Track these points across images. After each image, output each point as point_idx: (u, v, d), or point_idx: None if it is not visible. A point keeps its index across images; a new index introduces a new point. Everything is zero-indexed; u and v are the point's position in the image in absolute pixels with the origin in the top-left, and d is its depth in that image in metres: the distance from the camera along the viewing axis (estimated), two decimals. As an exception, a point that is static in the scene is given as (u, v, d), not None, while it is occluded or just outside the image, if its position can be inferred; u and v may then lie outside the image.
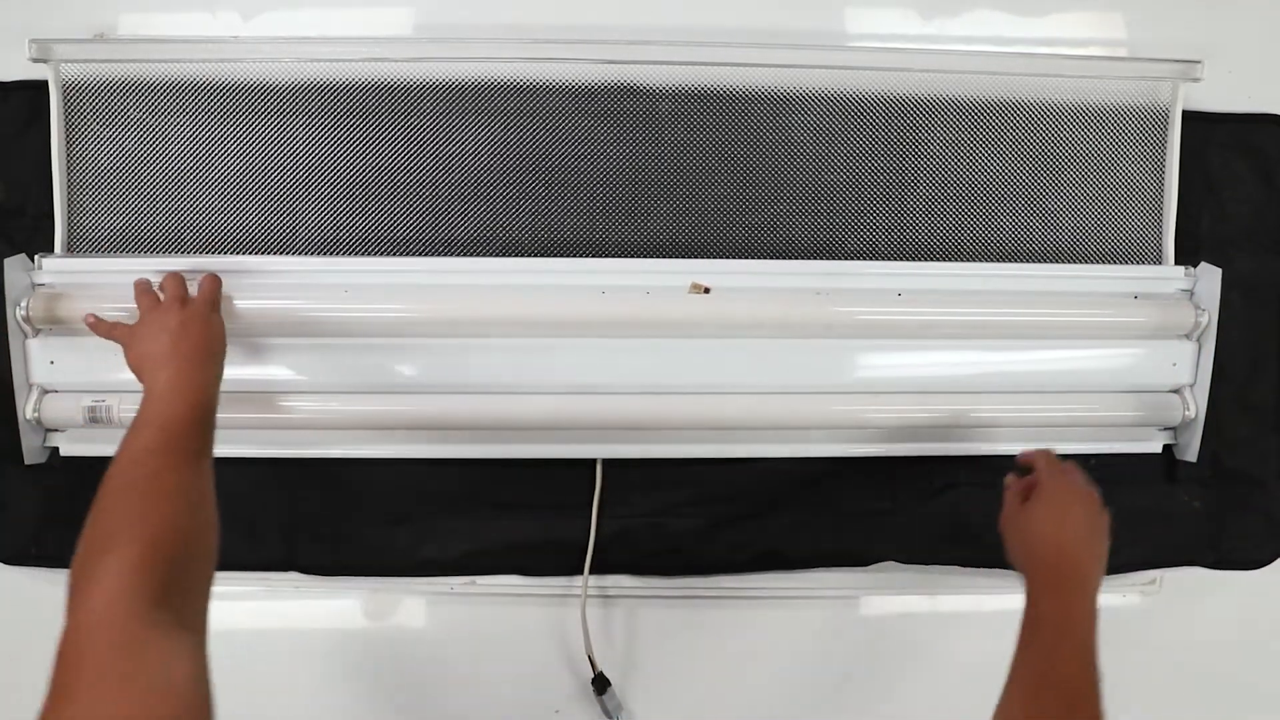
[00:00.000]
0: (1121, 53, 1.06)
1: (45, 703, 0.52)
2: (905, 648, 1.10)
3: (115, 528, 0.62)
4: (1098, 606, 0.73)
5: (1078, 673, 0.69)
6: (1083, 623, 0.72)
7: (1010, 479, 0.86)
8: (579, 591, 1.02)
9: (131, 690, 0.52)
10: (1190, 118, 1.03)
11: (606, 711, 1.02)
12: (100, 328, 0.87)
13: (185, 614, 0.60)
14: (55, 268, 0.95)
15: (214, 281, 0.89)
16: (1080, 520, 0.79)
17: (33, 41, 0.94)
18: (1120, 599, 1.11)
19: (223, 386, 0.81)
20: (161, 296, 0.87)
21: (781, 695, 1.08)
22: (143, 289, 0.87)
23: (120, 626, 0.55)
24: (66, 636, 0.55)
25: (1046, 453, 0.87)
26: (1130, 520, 0.93)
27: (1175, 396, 1.03)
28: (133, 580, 0.58)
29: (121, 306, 0.90)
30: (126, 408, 0.93)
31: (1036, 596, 0.75)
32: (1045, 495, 0.81)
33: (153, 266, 0.92)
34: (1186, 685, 1.11)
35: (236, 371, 0.89)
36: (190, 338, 0.81)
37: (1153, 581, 1.09)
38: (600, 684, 1.02)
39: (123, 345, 0.84)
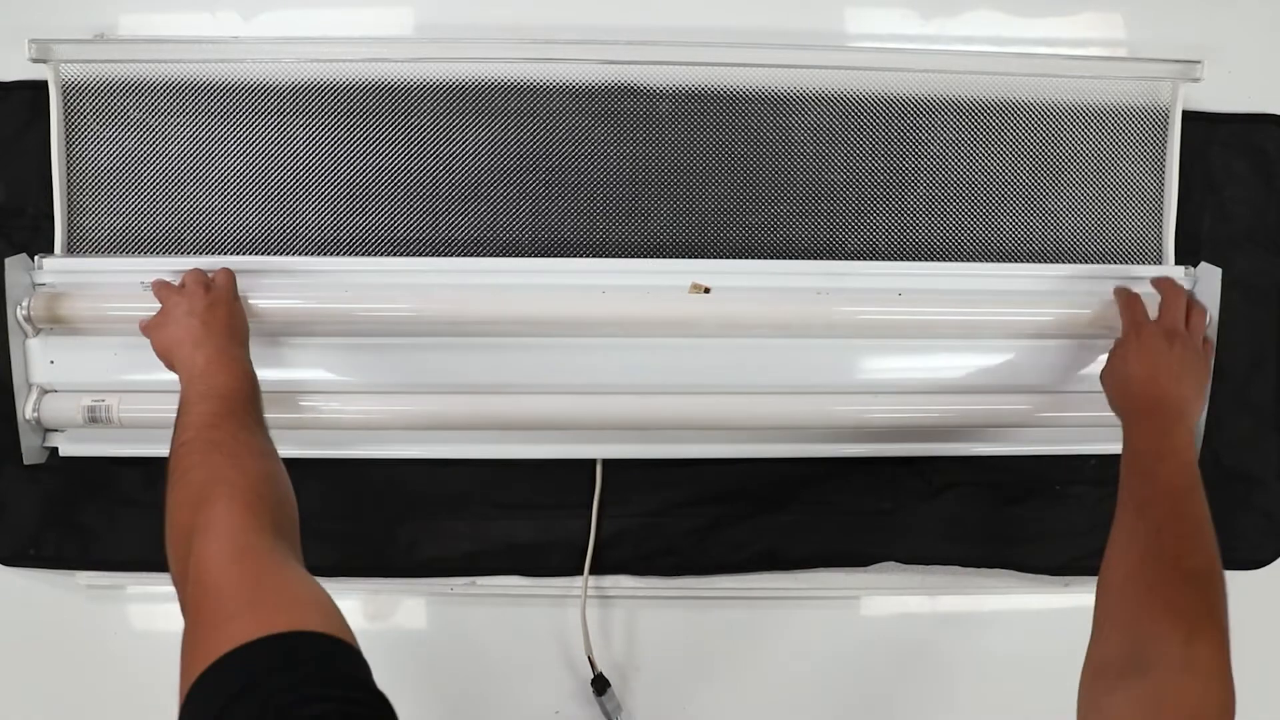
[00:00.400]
0: (1121, 53, 1.06)
1: (190, 644, 0.51)
2: (905, 648, 1.10)
3: (212, 480, 0.63)
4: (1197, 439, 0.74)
5: (1179, 484, 0.69)
6: (1181, 447, 0.72)
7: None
8: (579, 592, 1.02)
9: (287, 605, 0.53)
10: (1190, 118, 1.03)
11: (606, 712, 1.02)
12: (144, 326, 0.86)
13: (294, 552, 0.61)
14: (55, 268, 0.95)
15: (230, 273, 0.89)
16: (1173, 357, 0.80)
17: (33, 41, 0.94)
18: (1120, 599, 1.10)
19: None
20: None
21: (781, 696, 1.08)
22: (160, 283, 0.87)
23: (253, 557, 0.57)
24: (200, 578, 0.55)
25: (1133, 309, 0.88)
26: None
27: (1175, 396, 1.03)
28: (247, 519, 0.59)
29: (122, 306, 0.91)
30: (126, 408, 0.93)
31: (1132, 431, 0.75)
32: (1132, 339, 0.84)
33: (152, 267, 0.92)
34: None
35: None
36: (219, 318, 0.82)
37: (1153, 581, 1.08)
38: (600, 684, 1.02)
39: (149, 334, 0.84)
